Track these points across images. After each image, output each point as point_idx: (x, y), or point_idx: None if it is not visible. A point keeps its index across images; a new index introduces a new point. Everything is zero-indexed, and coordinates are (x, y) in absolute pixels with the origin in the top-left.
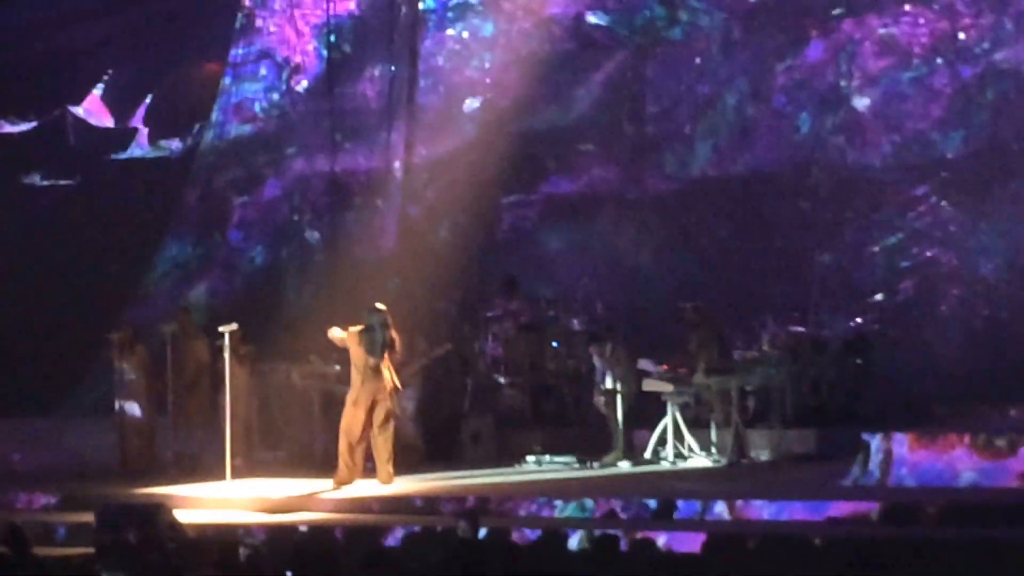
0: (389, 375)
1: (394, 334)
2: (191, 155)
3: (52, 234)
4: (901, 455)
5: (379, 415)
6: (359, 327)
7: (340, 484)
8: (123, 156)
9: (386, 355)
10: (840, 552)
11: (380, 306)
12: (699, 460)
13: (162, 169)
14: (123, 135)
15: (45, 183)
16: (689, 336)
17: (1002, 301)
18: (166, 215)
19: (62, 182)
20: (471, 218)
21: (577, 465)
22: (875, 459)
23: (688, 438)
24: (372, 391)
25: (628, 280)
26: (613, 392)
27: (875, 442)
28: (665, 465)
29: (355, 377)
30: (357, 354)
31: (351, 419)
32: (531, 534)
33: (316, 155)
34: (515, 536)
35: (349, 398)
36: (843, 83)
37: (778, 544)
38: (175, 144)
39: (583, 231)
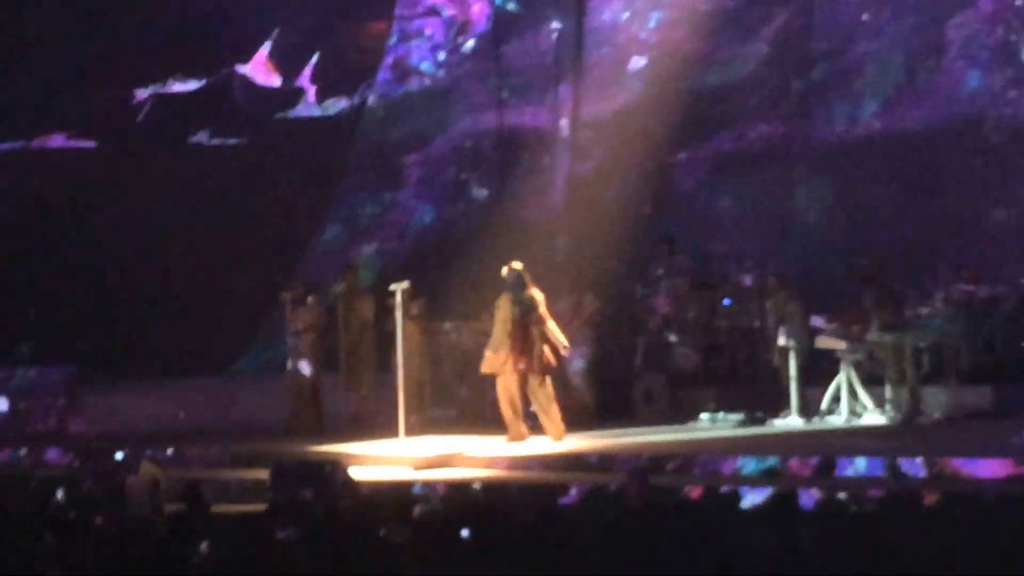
0: (539, 332)
1: (533, 292)
2: (358, 114)
3: (221, 193)
4: None
5: (533, 373)
6: (506, 288)
7: (513, 442)
8: (291, 115)
9: (534, 313)
10: (1018, 510)
11: (516, 265)
12: (873, 417)
13: (329, 128)
14: (290, 94)
15: (213, 142)
16: (863, 293)
17: None
18: (334, 174)
19: (230, 141)
20: (640, 176)
21: (750, 422)
22: None
23: (862, 395)
24: (522, 350)
25: (798, 237)
26: (786, 348)
27: None
28: (839, 422)
29: (505, 338)
30: (504, 315)
31: (506, 380)
32: (705, 493)
33: (483, 113)
34: (690, 494)
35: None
36: (1013, 37)
37: (955, 502)
38: (342, 103)
39: (752, 188)
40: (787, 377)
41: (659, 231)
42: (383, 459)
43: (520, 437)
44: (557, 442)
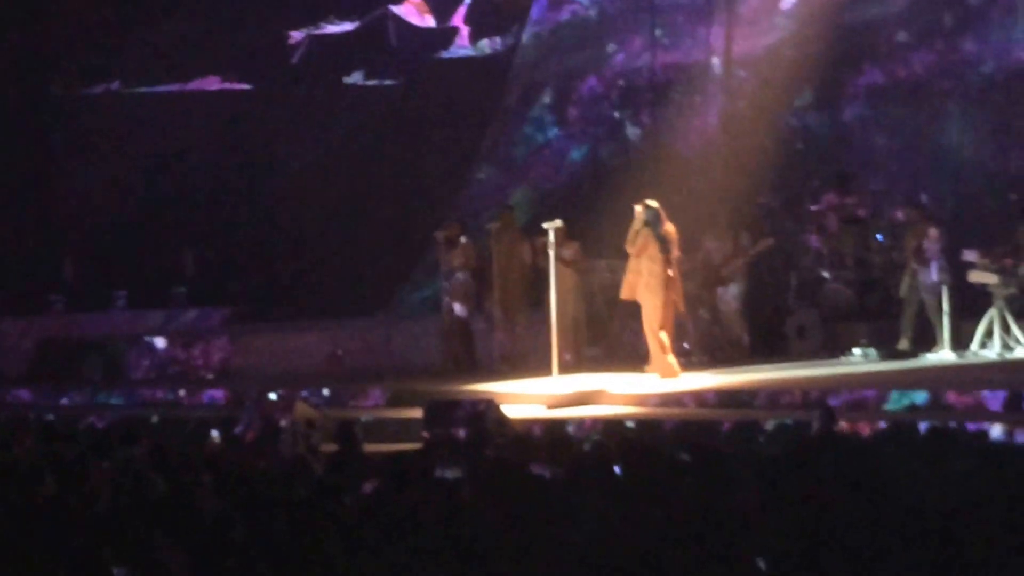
0: (663, 270)
1: (669, 228)
2: (511, 54)
3: (376, 134)
4: None
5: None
6: (643, 224)
7: (665, 377)
8: (444, 55)
9: (672, 250)
10: None
11: (652, 202)
12: None
13: (484, 68)
14: (444, 34)
15: (368, 83)
16: (1017, 227)
17: None
18: (487, 114)
19: (385, 82)
20: (792, 114)
21: (894, 357)
22: None
23: (1015, 330)
24: (654, 285)
25: (952, 172)
26: (938, 284)
27: None
28: (992, 357)
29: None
30: (647, 248)
31: (651, 313)
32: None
33: (635, 51)
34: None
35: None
36: None
37: None
38: (496, 42)
39: (905, 123)
40: (936, 311)
41: (813, 168)
42: (528, 398)
43: (671, 373)
44: (667, 379)
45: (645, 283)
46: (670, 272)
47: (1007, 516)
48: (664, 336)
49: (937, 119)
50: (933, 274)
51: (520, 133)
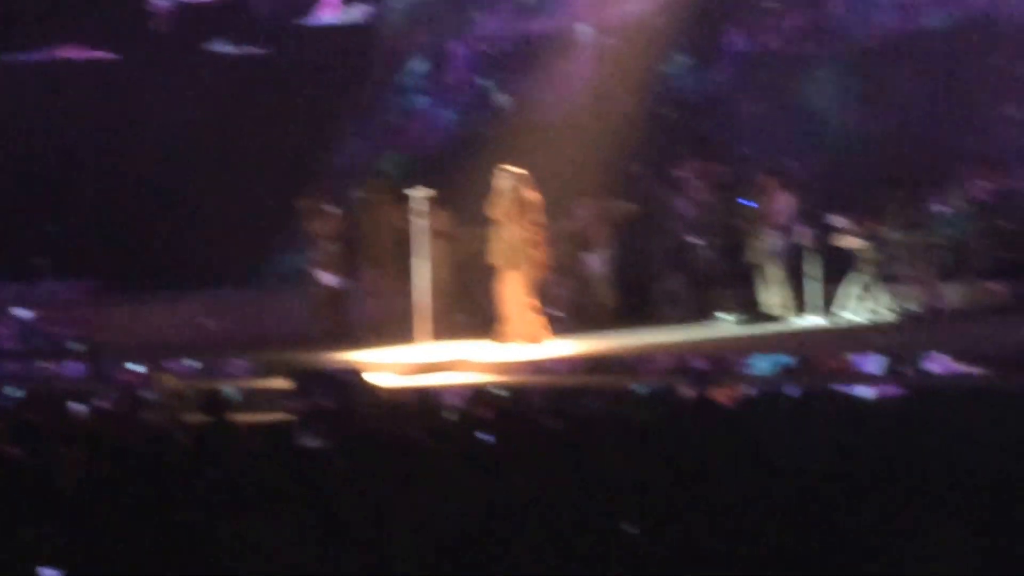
0: (527, 237)
1: (531, 194)
2: (380, 21)
3: (243, 102)
4: None
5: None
6: (506, 191)
7: (532, 343)
8: (312, 23)
9: (526, 218)
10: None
11: (512, 169)
12: (892, 315)
13: (352, 35)
14: (310, 1)
15: (232, 50)
16: (883, 192)
17: None
18: (358, 81)
19: (250, 49)
20: (661, 80)
21: (758, 320)
22: None
23: (880, 293)
24: (516, 252)
25: (821, 137)
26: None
27: None
28: (858, 320)
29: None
30: (507, 218)
31: (514, 280)
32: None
33: (505, 18)
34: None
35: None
36: None
37: (969, 396)
38: (362, 9)
39: (774, 89)
40: (781, 277)
41: (684, 134)
42: (396, 367)
43: (538, 339)
44: (532, 345)
45: (508, 250)
46: (534, 238)
47: (877, 477)
48: (531, 302)
49: (806, 85)
50: (781, 239)
51: (389, 100)
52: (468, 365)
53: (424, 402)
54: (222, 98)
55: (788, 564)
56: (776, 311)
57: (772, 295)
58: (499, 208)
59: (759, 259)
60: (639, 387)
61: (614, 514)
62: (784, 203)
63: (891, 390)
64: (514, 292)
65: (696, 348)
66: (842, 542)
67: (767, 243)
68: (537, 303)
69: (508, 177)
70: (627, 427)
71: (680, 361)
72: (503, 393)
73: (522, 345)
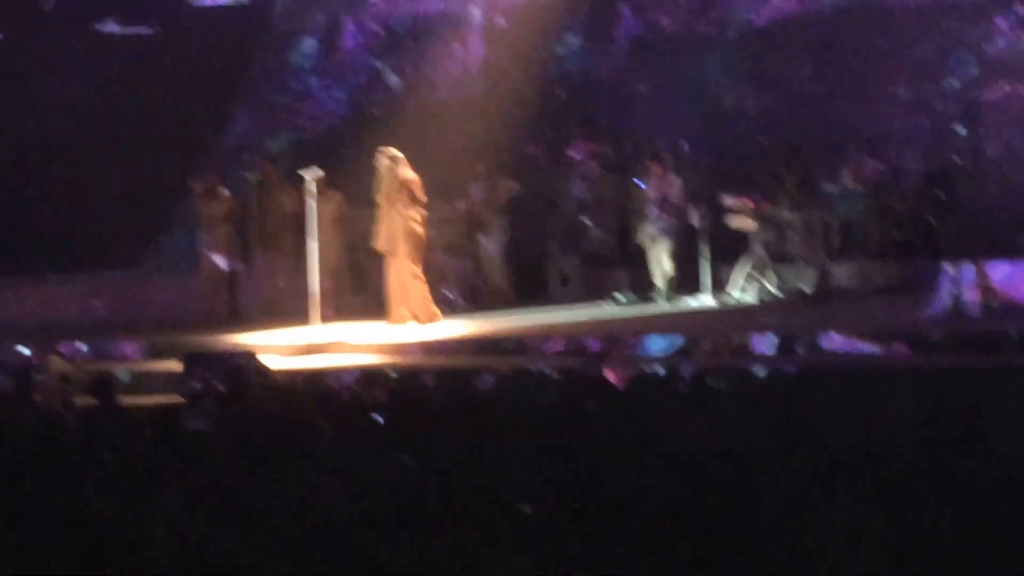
0: (408, 217)
1: (410, 175)
2: (271, 1)
3: (132, 83)
4: (982, 284)
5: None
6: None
7: (425, 324)
8: (201, 3)
9: (406, 199)
10: (925, 381)
11: (390, 150)
12: (782, 295)
13: (241, 14)
14: None
15: (121, 30)
16: (773, 172)
17: None
18: (248, 62)
19: (138, 29)
20: (555, 61)
21: (661, 302)
22: (956, 288)
23: (771, 273)
24: (399, 234)
25: (713, 119)
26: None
27: (955, 272)
28: (748, 300)
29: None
30: (391, 200)
31: (402, 262)
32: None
33: None
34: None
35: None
36: None
37: (861, 374)
38: None
39: (666, 70)
40: (668, 259)
41: (577, 116)
42: (296, 348)
43: (430, 320)
44: (420, 326)
45: (389, 232)
46: (414, 219)
47: (768, 455)
48: (417, 283)
49: (698, 66)
50: (671, 220)
51: (280, 81)
52: (357, 347)
53: (313, 384)
54: (111, 78)
55: (681, 539)
56: (666, 292)
57: (662, 276)
58: (382, 192)
59: (649, 240)
60: (531, 367)
61: (508, 493)
62: (674, 184)
63: (783, 369)
64: (398, 274)
65: (588, 328)
66: (734, 518)
67: (657, 224)
68: (424, 284)
69: (385, 158)
70: (518, 408)
71: (572, 342)
72: (392, 374)
73: (411, 326)
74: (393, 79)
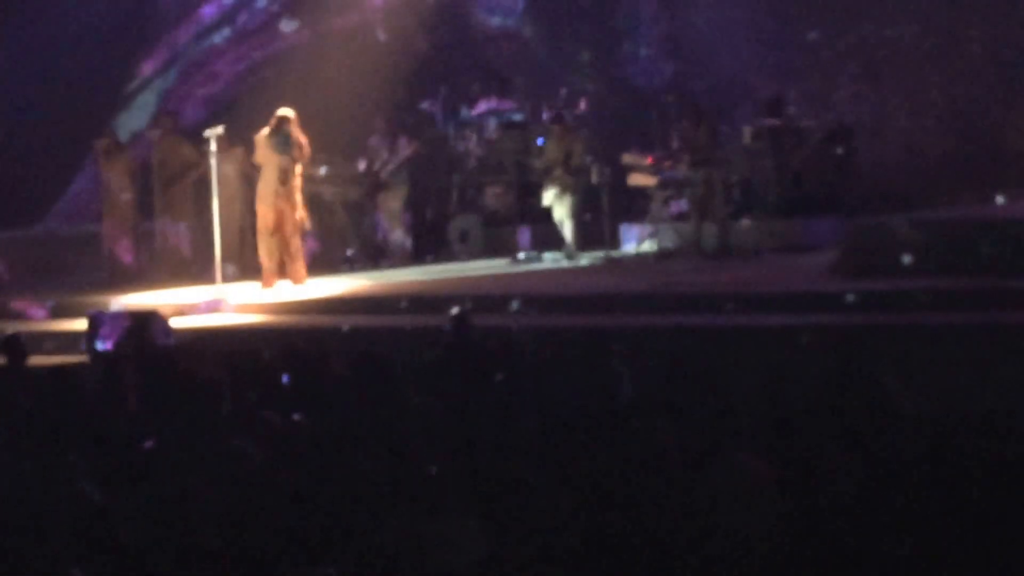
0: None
1: (300, 138)
2: None
3: (31, 41)
4: None
5: (290, 217)
6: (267, 132)
7: (266, 286)
8: None
9: (293, 160)
10: (827, 341)
11: (284, 112)
12: (683, 252)
13: None
14: None
15: None
16: (674, 129)
17: (985, 86)
18: (143, 22)
19: None
20: (451, 17)
21: (566, 261)
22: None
23: (671, 231)
24: (282, 194)
25: (614, 77)
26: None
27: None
28: (648, 256)
29: (266, 180)
30: (265, 158)
31: (264, 221)
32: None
33: None
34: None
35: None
36: None
37: (764, 334)
38: None
39: (565, 28)
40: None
41: (474, 72)
42: (201, 307)
43: (271, 283)
44: (298, 285)
45: (260, 193)
46: (290, 179)
47: (671, 410)
48: (290, 244)
49: (601, 22)
50: (573, 178)
51: (175, 40)
52: (250, 307)
53: (220, 343)
54: (14, 37)
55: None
56: (567, 249)
57: (566, 233)
58: (258, 153)
59: (551, 198)
60: (423, 325)
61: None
62: (575, 142)
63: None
64: (264, 232)
65: (478, 286)
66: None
67: (559, 181)
68: (298, 244)
69: (273, 119)
70: (417, 366)
71: (455, 300)
72: (298, 334)
73: (291, 285)
74: (290, 35)
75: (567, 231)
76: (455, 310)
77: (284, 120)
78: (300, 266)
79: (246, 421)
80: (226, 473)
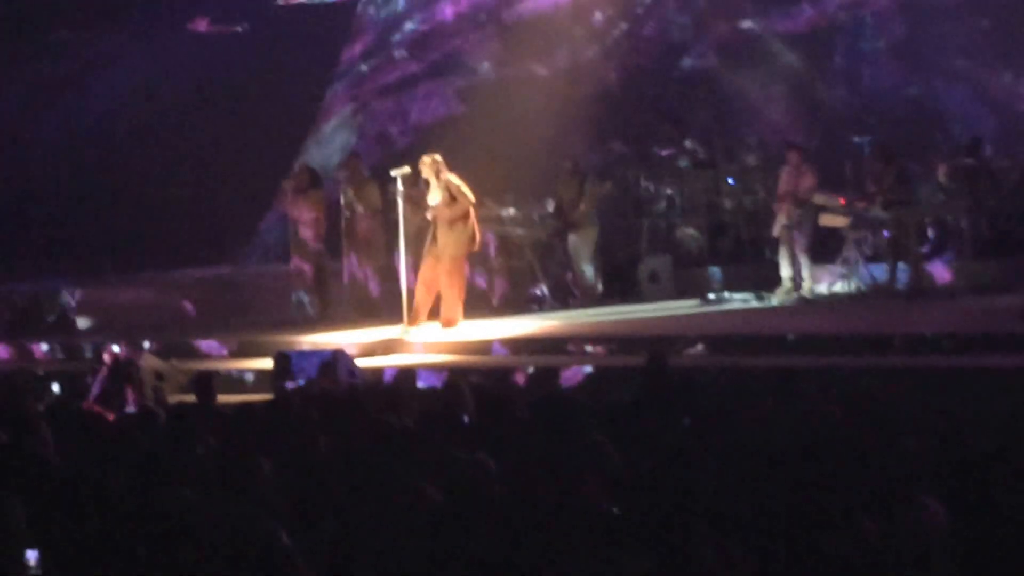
0: (455, 223)
1: (443, 179)
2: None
3: (222, 80)
4: None
5: (444, 263)
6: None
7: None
8: (290, 2)
9: (452, 204)
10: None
11: (427, 157)
12: (877, 292)
13: (329, 14)
14: None
15: (213, 29)
16: (868, 170)
17: None
18: (335, 61)
19: (231, 26)
20: (642, 59)
21: (756, 301)
22: None
23: (865, 271)
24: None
25: (806, 116)
26: (789, 226)
27: None
28: (841, 297)
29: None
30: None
31: (426, 268)
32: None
33: None
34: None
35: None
36: None
37: (962, 374)
38: None
39: (760, 68)
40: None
41: (665, 113)
42: (386, 347)
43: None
44: (447, 329)
45: (443, 236)
46: (457, 221)
47: (856, 452)
48: (427, 290)
49: (792, 63)
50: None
51: (368, 80)
52: (453, 347)
53: (405, 383)
54: (202, 78)
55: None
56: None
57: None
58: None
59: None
60: (612, 367)
61: (598, 496)
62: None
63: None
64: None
65: (665, 326)
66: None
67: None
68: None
69: (429, 166)
70: (604, 407)
71: (660, 341)
72: (481, 375)
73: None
74: (485, 70)
75: (803, 267)
76: (650, 350)
77: (426, 164)
78: (449, 308)
79: (433, 460)
80: (412, 512)
